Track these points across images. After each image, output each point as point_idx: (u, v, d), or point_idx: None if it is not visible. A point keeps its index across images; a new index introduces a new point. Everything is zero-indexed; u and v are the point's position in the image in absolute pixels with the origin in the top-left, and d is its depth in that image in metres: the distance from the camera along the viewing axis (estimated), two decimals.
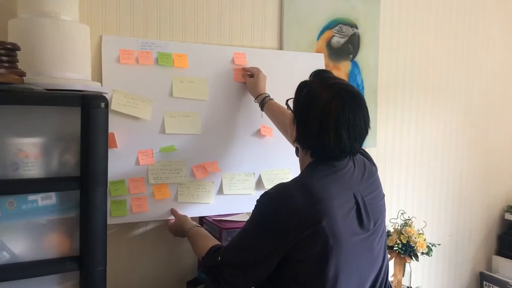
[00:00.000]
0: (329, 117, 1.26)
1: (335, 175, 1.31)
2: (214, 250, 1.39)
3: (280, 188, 1.30)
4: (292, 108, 1.40)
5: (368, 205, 1.32)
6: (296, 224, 1.21)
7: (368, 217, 1.31)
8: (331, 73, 1.42)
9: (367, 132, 1.32)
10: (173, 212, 1.76)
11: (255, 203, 1.31)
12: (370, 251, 1.33)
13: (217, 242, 1.48)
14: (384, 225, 1.43)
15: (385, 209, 1.44)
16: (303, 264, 1.25)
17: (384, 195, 1.45)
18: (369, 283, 1.33)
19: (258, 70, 1.89)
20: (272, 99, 1.83)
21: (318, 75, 1.39)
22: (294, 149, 1.47)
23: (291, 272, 1.27)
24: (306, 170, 1.36)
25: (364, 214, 1.30)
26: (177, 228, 1.68)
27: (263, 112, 1.86)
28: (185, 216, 1.71)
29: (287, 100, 1.45)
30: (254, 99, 1.88)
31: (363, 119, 1.30)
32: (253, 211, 1.32)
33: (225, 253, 1.33)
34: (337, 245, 1.22)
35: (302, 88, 1.37)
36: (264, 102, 1.82)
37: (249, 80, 1.90)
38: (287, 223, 1.22)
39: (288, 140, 1.70)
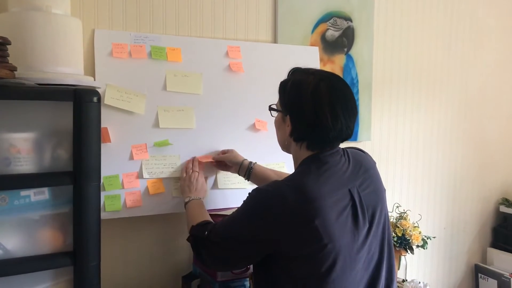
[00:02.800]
0: (322, 97, 1.28)
1: (329, 172, 1.30)
2: (204, 223, 1.42)
3: (273, 186, 1.29)
4: (278, 108, 1.40)
5: (364, 201, 1.31)
6: (286, 217, 1.21)
7: (363, 215, 1.30)
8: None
9: (357, 111, 1.35)
10: (197, 160, 1.78)
11: (246, 197, 1.31)
12: (366, 249, 1.31)
13: (211, 219, 1.50)
14: (385, 221, 1.40)
15: (386, 204, 1.42)
16: (299, 262, 1.24)
17: (385, 189, 1.43)
18: (365, 281, 1.31)
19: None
20: (255, 163, 1.78)
21: (296, 70, 1.41)
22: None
23: (288, 269, 1.27)
24: (298, 168, 1.35)
25: (360, 211, 1.29)
26: (184, 189, 1.70)
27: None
28: (203, 185, 1.73)
29: (270, 106, 1.44)
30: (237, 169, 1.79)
31: (351, 96, 1.33)
32: (242, 203, 1.32)
33: (213, 230, 1.35)
34: (332, 244, 1.21)
35: (285, 83, 1.38)
36: (250, 171, 1.77)
37: (222, 156, 1.81)
38: (277, 214, 1.22)
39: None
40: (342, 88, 1.32)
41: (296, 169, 1.37)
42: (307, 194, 1.23)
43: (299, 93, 1.31)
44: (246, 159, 1.79)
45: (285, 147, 1.44)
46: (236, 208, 1.70)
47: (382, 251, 1.37)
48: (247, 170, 1.77)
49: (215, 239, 1.33)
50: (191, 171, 1.75)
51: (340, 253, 1.23)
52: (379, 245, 1.36)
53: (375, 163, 1.47)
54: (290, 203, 1.22)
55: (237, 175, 1.82)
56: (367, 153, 1.49)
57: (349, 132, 1.33)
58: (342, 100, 1.30)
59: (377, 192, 1.39)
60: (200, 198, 1.66)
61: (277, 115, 1.42)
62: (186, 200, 1.64)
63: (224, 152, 1.84)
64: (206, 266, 1.46)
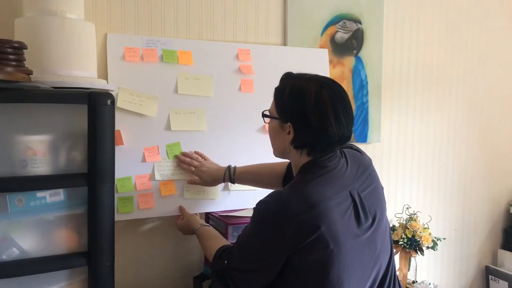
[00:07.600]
0: (326, 104, 1.27)
1: (328, 175, 1.30)
2: (220, 253, 1.39)
3: (275, 195, 1.29)
4: (274, 115, 1.37)
5: (365, 201, 1.31)
6: (293, 230, 1.20)
7: (365, 214, 1.30)
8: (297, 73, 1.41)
9: (353, 113, 1.36)
10: (181, 210, 1.77)
11: (252, 213, 1.31)
12: (372, 248, 1.31)
13: (224, 242, 1.48)
14: (387, 219, 1.42)
15: (385, 201, 1.42)
16: (306, 269, 1.24)
17: (382, 187, 1.44)
18: (371, 279, 1.32)
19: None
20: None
21: (288, 76, 1.38)
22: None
23: (294, 276, 1.26)
24: (298, 175, 1.34)
25: (361, 211, 1.29)
26: (186, 227, 1.69)
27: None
28: (193, 215, 1.72)
29: (263, 112, 1.41)
30: None
31: (348, 99, 1.33)
32: (251, 219, 1.31)
33: (232, 257, 1.33)
34: (338, 248, 1.22)
35: (282, 90, 1.35)
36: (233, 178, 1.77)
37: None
38: (284, 229, 1.21)
39: (271, 176, 1.69)
40: (341, 93, 1.32)
41: (296, 175, 1.36)
42: (310, 199, 1.23)
43: (302, 101, 1.29)
44: (224, 172, 1.76)
45: (283, 154, 1.41)
46: (245, 209, 1.72)
47: (385, 249, 1.37)
48: (230, 178, 1.76)
49: (236, 265, 1.31)
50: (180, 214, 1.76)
51: (346, 256, 1.23)
52: (386, 243, 1.37)
53: (371, 160, 1.47)
54: (294, 210, 1.21)
55: None
56: (363, 152, 1.49)
57: (349, 135, 1.34)
58: (343, 105, 1.29)
59: (376, 191, 1.40)
60: (205, 225, 1.63)
61: (272, 122, 1.39)
62: (194, 232, 1.62)
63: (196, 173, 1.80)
64: None
